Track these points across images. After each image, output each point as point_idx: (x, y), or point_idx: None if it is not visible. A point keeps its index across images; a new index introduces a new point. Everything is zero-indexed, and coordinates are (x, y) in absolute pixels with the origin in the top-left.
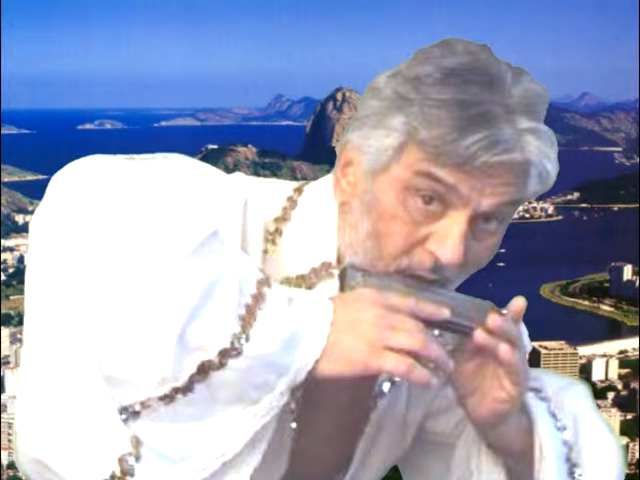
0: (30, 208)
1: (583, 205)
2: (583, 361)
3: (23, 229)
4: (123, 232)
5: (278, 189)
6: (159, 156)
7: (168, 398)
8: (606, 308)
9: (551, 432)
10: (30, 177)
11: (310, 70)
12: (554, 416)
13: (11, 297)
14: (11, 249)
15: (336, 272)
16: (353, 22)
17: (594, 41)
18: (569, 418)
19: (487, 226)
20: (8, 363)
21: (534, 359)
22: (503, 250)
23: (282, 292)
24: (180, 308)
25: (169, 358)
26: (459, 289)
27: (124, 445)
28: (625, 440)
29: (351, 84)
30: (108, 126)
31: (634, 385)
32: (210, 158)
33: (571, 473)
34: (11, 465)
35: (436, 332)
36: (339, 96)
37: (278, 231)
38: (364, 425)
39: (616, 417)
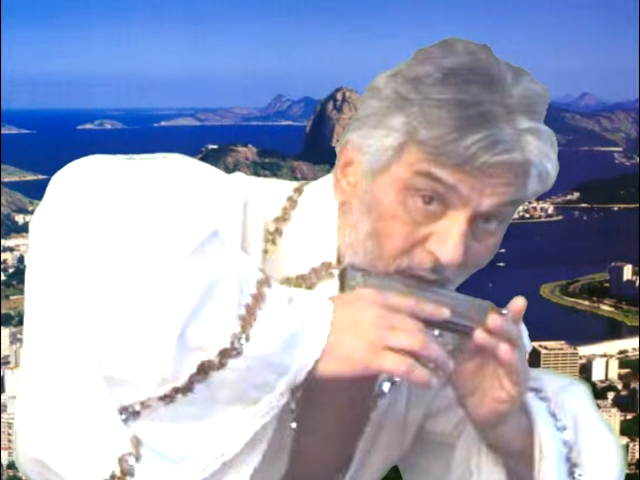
0: (30, 208)
1: (583, 205)
2: (583, 361)
3: (23, 229)
4: (123, 232)
5: (278, 189)
6: (159, 156)
7: (168, 398)
8: (606, 308)
9: (551, 432)
10: (30, 177)
11: (310, 70)
12: (554, 416)
13: (11, 297)
14: (11, 249)
15: (336, 272)
16: (353, 22)
17: (594, 41)
18: (569, 418)
19: (487, 226)
20: (8, 363)
21: (534, 359)
22: (503, 250)
23: (282, 292)
24: (180, 308)
25: (169, 358)
26: (459, 289)
27: (124, 445)
28: (625, 440)
29: (351, 84)
30: (108, 126)
31: (634, 385)
32: (210, 158)
33: (571, 473)
34: (11, 465)
35: (436, 332)
36: (339, 96)
37: (278, 231)
38: (364, 425)
39: (616, 417)
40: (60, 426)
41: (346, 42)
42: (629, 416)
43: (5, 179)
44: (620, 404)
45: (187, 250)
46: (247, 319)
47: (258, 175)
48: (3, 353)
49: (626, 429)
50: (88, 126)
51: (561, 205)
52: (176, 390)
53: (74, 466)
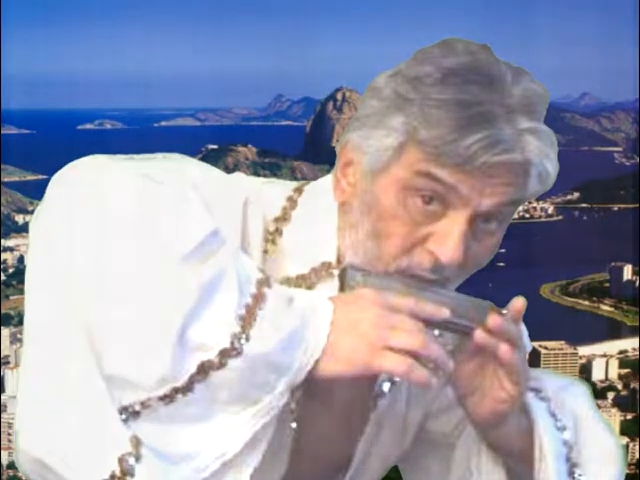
0: (30, 208)
1: (583, 205)
2: (583, 361)
3: (23, 229)
4: (122, 233)
5: (278, 189)
6: (159, 156)
7: (168, 398)
8: (606, 308)
9: (551, 432)
10: (30, 177)
11: (310, 70)
12: (554, 416)
13: (11, 297)
14: (11, 249)
15: (336, 272)
16: (353, 22)
17: (594, 41)
18: (569, 418)
19: (487, 226)
20: (8, 363)
21: (534, 359)
22: (503, 250)
23: (282, 292)
24: (180, 308)
25: (169, 358)
26: (459, 289)
27: (124, 445)
28: (625, 440)
29: (351, 84)
30: (108, 126)
31: (634, 385)
32: (210, 158)
33: (571, 473)
34: (11, 465)
35: (436, 332)
36: (339, 96)
37: (278, 231)
38: (364, 425)
39: (616, 417)
40: (60, 426)
41: (346, 42)
42: (629, 416)
43: (5, 179)
44: (620, 404)
45: (187, 250)
46: (247, 319)
47: (258, 175)
48: (3, 353)
49: (626, 429)
50: (88, 126)
51: (561, 205)
52: (176, 390)
53: (74, 466)
